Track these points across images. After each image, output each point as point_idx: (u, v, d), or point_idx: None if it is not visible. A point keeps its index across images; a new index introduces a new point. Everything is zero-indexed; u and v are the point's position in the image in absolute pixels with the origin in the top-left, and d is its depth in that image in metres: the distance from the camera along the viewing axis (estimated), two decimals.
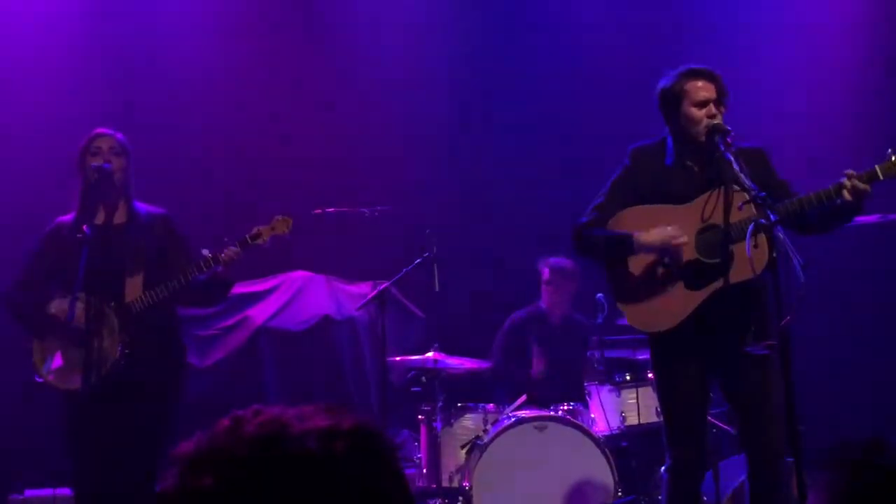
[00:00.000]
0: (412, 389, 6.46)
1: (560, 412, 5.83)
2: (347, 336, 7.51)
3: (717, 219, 4.15)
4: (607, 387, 6.02)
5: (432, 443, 5.92)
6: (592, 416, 5.98)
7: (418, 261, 6.09)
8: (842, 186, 3.98)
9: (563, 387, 6.39)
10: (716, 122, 4.17)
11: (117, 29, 7.59)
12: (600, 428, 5.90)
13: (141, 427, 4.60)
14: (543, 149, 7.83)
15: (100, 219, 4.78)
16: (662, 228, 4.21)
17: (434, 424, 5.90)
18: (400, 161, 7.82)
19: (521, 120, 7.90)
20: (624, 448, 5.92)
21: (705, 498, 5.64)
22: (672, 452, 4.32)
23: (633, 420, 5.92)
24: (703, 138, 4.20)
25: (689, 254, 4.22)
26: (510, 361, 6.73)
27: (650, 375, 5.66)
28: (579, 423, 5.74)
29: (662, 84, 4.36)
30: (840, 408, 6.64)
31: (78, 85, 7.32)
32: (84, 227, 4.51)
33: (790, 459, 4.06)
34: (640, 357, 5.94)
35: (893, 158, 3.98)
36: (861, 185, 3.95)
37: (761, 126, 6.30)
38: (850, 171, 3.99)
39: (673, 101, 4.28)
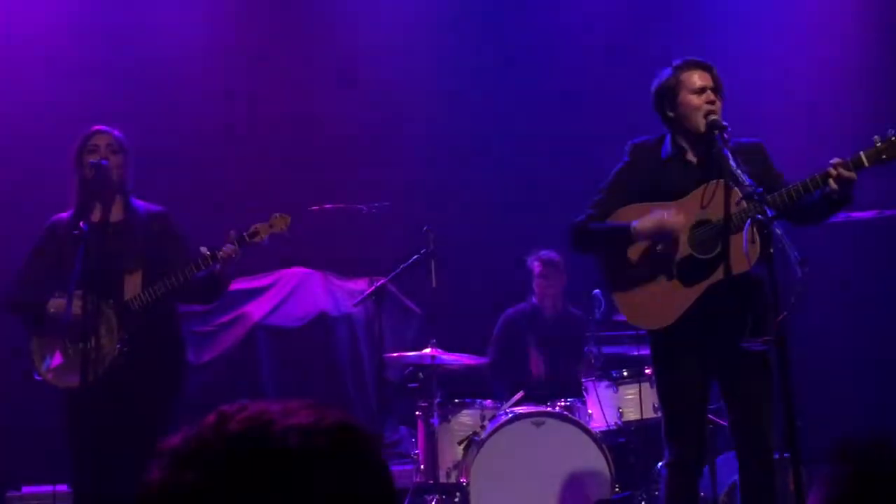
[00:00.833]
0: (409, 386, 6.46)
1: (557, 408, 5.84)
2: (345, 332, 7.52)
3: (710, 214, 4.17)
4: (605, 383, 6.03)
5: (429, 439, 5.93)
6: (590, 412, 5.99)
7: (416, 257, 6.09)
8: (827, 175, 3.97)
9: (560, 383, 6.40)
10: (715, 115, 4.19)
11: (114, 23, 7.57)
12: (597, 424, 5.91)
13: (140, 424, 4.59)
14: (541, 146, 7.83)
15: (97, 216, 4.77)
16: (658, 212, 4.20)
17: (431, 420, 5.91)
18: (398, 158, 7.82)
19: (519, 117, 7.90)
20: (621, 444, 5.93)
21: (702, 493, 5.66)
22: (671, 448, 4.31)
23: (630, 416, 5.93)
24: (703, 128, 4.21)
25: (682, 250, 4.22)
26: (507, 359, 6.74)
27: (647, 371, 5.68)
28: (576, 419, 5.75)
29: (657, 82, 4.38)
30: (838, 403, 6.66)
31: (73, 80, 7.31)
32: (81, 224, 4.51)
33: (787, 455, 4.08)
34: (638, 353, 5.95)
35: (878, 145, 3.97)
36: (846, 173, 3.93)
37: (757, 122, 6.29)
38: (835, 160, 3.98)
39: (669, 93, 4.29)
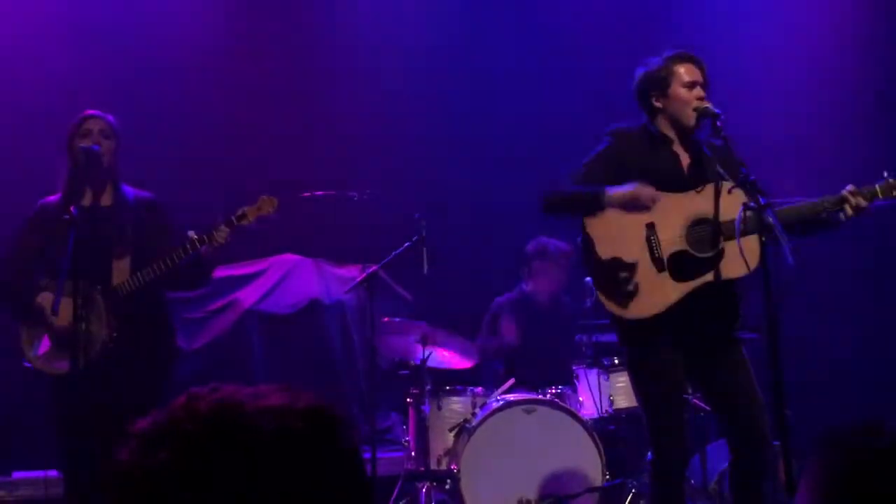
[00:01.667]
0: (400, 372, 6.46)
1: (548, 395, 5.84)
2: (336, 319, 7.52)
3: (709, 213, 4.16)
4: (596, 370, 6.03)
5: (420, 426, 5.93)
6: (580, 399, 5.99)
7: (407, 244, 6.08)
8: (843, 200, 4.05)
9: (550, 370, 6.40)
10: (706, 104, 4.19)
11: (110, 10, 7.55)
12: (588, 411, 5.91)
13: (130, 410, 4.57)
14: (533, 133, 7.83)
15: (86, 201, 4.75)
16: (633, 184, 4.14)
17: (422, 408, 5.91)
18: (389, 145, 7.81)
19: (511, 104, 7.90)
20: (612, 431, 5.93)
21: (692, 481, 5.68)
22: (658, 445, 4.24)
23: (621, 404, 5.93)
24: (692, 122, 4.22)
25: (678, 244, 4.20)
26: (490, 341, 6.73)
27: None
28: (567, 406, 5.75)
29: (646, 68, 4.35)
30: (829, 392, 6.68)
31: (66, 67, 7.28)
32: (71, 208, 4.48)
33: (776, 443, 4.08)
34: None
35: (891, 181, 4.08)
36: (864, 203, 4.04)
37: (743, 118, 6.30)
38: (851, 188, 4.06)
39: (660, 83, 4.27)
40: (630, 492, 5.60)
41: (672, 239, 4.18)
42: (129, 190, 4.88)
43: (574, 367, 6.14)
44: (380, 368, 6.67)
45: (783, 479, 3.67)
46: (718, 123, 4.09)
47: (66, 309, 4.49)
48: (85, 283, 4.53)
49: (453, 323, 6.60)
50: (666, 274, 4.17)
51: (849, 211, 4.04)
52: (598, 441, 5.58)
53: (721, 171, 3.99)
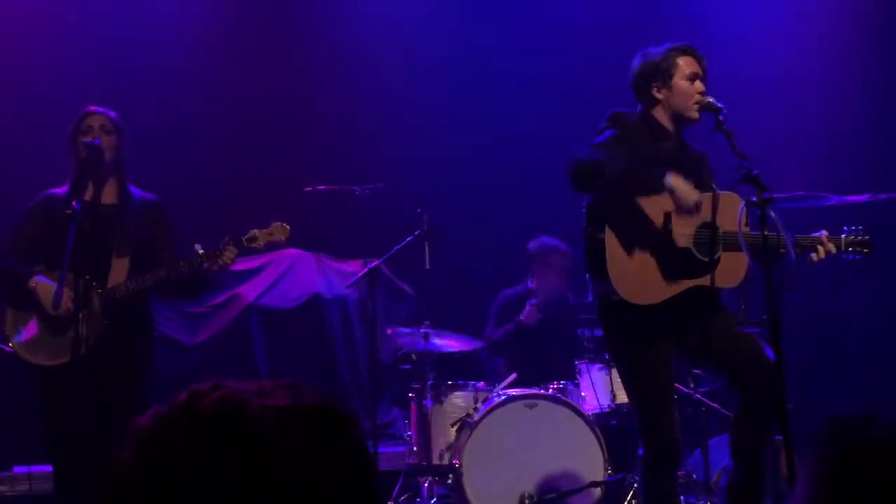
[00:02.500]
0: (402, 367, 6.46)
1: (550, 390, 5.84)
2: (338, 314, 7.53)
3: (717, 220, 4.17)
4: (597, 365, 6.03)
5: (422, 420, 5.93)
6: (582, 394, 5.99)
7: (409, 238, 6.08)
8: (818, 242, 4.23)
9: (552, 365, 6.40)
10: (709, 99, 4.19)
11: (111, 7, 7.55)
12: (590, 406, 5.91)
13: (114, 401, 4.56)
14: (535, 128, 7.82)
15: (88, 195, 4.73)
16: (691, 185, 4.07)
17: (424, 402, 5.91)
18: (391, 139, 7.81)
19: (513, 97, 7.89)
20: (614, 426, 5.93)
21: (694, 476, 5.69)
22: (651, 439, 4.22)
23: (623, 398, 5.91)
24: (694, 114, 4.23)
25: (685, 242, 4.19)
26: (499, 330, 6.72)
27: None
28: (569, 401, 5.75)
29: (647, 58, 4.34)
30: (829, 385, 6.68)
31: (66, 65, 7.29)
32: (74, 203, 4.48)
33: (779, 437, 4.07)
34: None
35: (852, 238, 4.31)
36: (833, 251, 4.23)
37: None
38: (826, 235, 4.25)
39: (663, 73, 4.27)
40: (632, 486, 5.60)
41: (682, 235, 4.19)
42: (136, 191, 4.89)
43: (576, 362, 6.14)
44: (381, 363, 6.67)
45: (784, 471, 3.66)
46: (721, 118, 4.09)
47: (67, 302, 4.50)
48: (85, 282, 4.52)
49: (455, 317, 6.61)
50: (668, 268, 4.18)
51: (821, 252, 4.21)
52: (600, 436, 5.58)
53: (739, 152, 3.97)
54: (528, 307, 6.59)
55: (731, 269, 4.16)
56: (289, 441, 1.11)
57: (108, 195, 4.80)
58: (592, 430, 5.59)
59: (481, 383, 6.06)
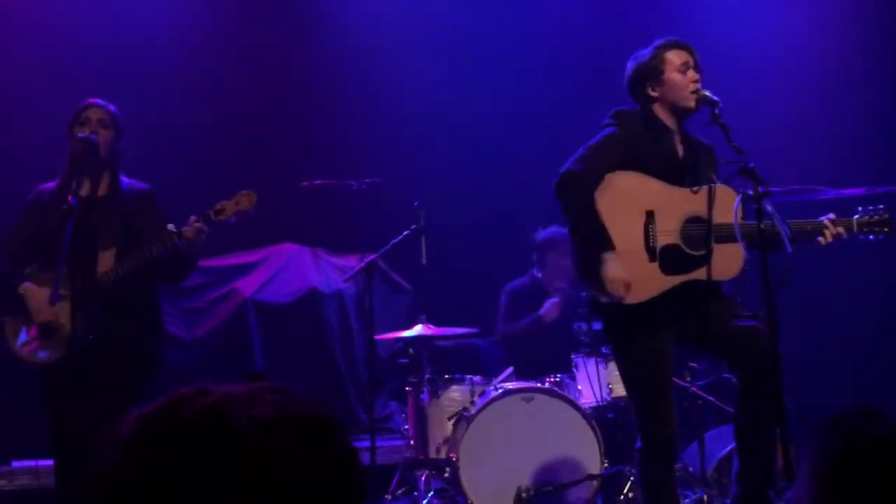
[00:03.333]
0: (399, 361, 6.46)
1: (547, 384, 5.85)
2: (335, 308, 7.52)
3: (703, 212, 4.18)
4: (594, 359, 6.03)
5: (419, 414, 5.93)
6: (579, 387, 6.00)
7: (406, 233, 6.08)
8: (823, 227, 4.17)
9: (549, 358, 6.40)
10: (705, 91, 4.19)
11: (107, 7, 7.54)
12: (587, 400, 5.92)
13: (115, 398, 4.55)
14: (532, 122, 7.82)
15: (84, 191, 4.70)
16: (621, 272, 4.09)
17: (421, 396, 5.91)
18: (388, 134, 7.80)
19: (511, 93, 7.89)
20: (610, 420, 5.94)
21: (691, 468, 5.69)
22: (649, 432, 4.23)
23: (619, 392, 5.91)
24: (692, 104, 4.24)
25: (671, 238, 4.19)
26: (512, 324, 6.70)
27: None
28: (566, 394, 5.76)
29: (637, 60, 4.38)
30: (827, 381, 6.68)
31: (66, 65, 7.28)
32: (70, 198, 4.46)
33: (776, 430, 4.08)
34: None
35: (867, 218, 4.23)
36: (844, 233, 4.19)
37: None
38: (832, 217, 4.20)
39: (653, 72, 4.30)
40: (628, 479, 5.61)
41: (667, 231, 4.19)
42: (126, 181, 4.84)
43: (573, 356, 6.15)
44: (378, 357, 6.67)
45: (782, 465, 3.67)
46: (717, 111, 4.10)
47: (65, 297, 4.49)
48: (79, 275, 4.51)
49: (452, 311, 6.61)
50: (656, 265, 4.18)
51: (828, 236, 4.17)
52: (597, 429, 5.59)
53: (735, 146, 3.99)
54: (549, 303, 6.58)
55: (727, 261, 4.15)
56: (275, 453, 1.10)
57: (103, 190, 4.77)
58: (589, 423, 5.60)
59: (478, 377, 6.05)
